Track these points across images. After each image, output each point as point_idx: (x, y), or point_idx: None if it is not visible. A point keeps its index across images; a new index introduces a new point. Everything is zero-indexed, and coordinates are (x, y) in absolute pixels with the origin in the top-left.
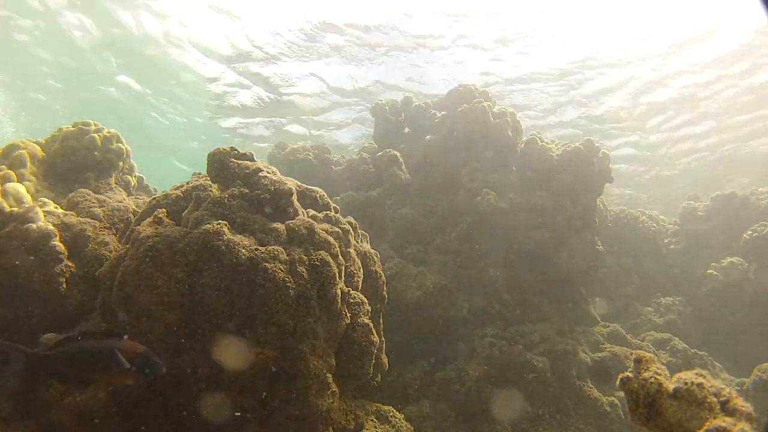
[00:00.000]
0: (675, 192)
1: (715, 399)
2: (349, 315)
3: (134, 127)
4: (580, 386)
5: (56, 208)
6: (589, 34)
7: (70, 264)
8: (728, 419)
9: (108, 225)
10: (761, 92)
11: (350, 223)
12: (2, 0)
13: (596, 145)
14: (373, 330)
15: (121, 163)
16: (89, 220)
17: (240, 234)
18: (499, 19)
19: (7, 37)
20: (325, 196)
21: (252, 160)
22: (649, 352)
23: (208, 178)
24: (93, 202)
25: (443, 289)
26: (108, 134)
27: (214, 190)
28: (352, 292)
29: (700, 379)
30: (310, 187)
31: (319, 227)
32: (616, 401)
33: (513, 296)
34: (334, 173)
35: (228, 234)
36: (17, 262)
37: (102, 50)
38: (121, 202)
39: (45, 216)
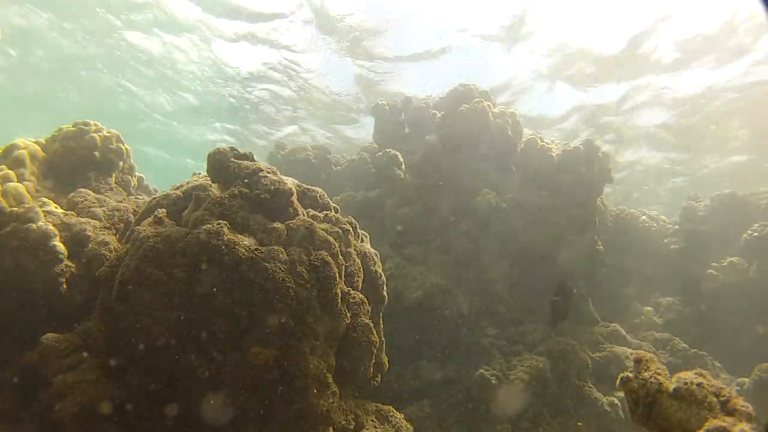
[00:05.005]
0: None
1: (715, 399)
2: (349, 315)
3: None
4: (580, 386)
5: (56, 208)
6: None
7: (70, 264)
8: (728, 419)
9: (108, 225)
10: None
11: (350, 223)
12: None
13: (596, 144)
14: (373, 330)
15: (121, 163)
16: (89, 220)
17: (240, 234)
18: None
19: None
20: (325, 196)
21: (252, 159)
22: (649, 352)
23: (208, 178)
24: (93, 202)
25: (443, 289)
26: (108, 134)
27: (214, 190)
28: (352, 292)
29: (700, 379)
30: (310, 187)
31: (319, 227)
32: (616, 401)
33: (513, 296)
34: (334, 173)
35: (228, 234)
36: (17, 262)
37: None
38: (121, 202)
39: (45, 216)
